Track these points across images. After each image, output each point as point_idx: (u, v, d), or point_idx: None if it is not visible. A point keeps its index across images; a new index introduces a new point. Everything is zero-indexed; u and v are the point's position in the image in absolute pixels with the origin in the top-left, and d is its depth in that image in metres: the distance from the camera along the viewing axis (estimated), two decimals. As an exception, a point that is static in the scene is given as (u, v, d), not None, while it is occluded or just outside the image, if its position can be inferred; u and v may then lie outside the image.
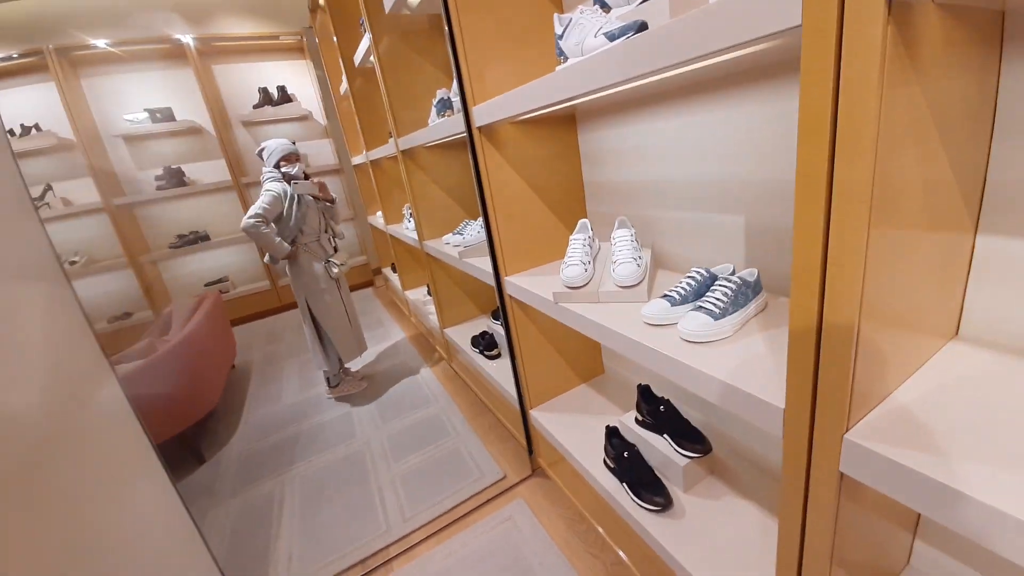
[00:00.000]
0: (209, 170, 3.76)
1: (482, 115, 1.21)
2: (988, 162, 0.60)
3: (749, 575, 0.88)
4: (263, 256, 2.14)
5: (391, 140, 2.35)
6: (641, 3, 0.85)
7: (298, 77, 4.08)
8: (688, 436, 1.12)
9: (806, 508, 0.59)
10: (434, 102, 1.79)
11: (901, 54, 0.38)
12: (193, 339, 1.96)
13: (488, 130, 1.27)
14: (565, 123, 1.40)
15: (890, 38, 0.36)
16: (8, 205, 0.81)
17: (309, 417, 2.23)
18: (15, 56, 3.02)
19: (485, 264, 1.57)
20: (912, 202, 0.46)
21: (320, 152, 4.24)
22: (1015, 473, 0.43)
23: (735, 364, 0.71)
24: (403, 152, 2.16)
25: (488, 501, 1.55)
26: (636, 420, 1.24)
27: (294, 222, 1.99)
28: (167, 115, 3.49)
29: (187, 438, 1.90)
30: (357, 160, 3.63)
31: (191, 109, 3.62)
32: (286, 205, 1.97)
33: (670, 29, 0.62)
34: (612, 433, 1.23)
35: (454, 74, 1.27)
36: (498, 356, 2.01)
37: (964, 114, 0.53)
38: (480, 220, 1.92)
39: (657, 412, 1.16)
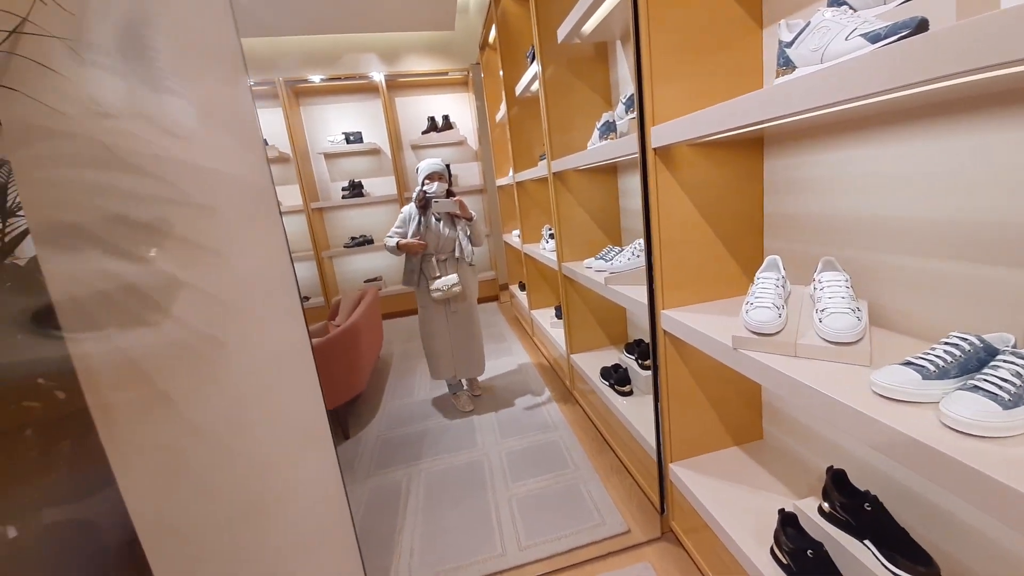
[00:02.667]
0: (381, 184, 4.38)
1: (661, 136, 1.13)
2: None
3: None
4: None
5: (541, 162, 2.41)
6: (903, 2, 0.69)
7: (459, 107, 4.53)
8: (905, 552, 0.84)
9: None
10: (598, 125, 1.78)
11: None
12: (357, 327, 2.23)
13: (663, 152, 1.18)
14: (751, 146, 1.24)
15: None
16: (263, 198, 0.99)
17: (435, 416, 2.35)
18: (253, 84, 3.92)
19: (635, 293, 1.47)
20: None
21: (469, 173, 4.62)
22: None
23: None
24: (555, 174, 2.19)
25: (609, 554, 1.40)
26: (821, 511, 0.99)
27: (411, 235, 2.12)
28: (358, 138, 4.18)
29: (339, 414, 2.14)
30: (502, 181, 3.84)
31: (376, 133, 4.28)
32: (412, 226, 2.12)
33: (980, 26, 0.47)
34: (788, 520, 1.00)
35: (633, 94, 1.22)
36: (630, 393, 1.86)
37: None
38: (629, 248, 1.82)
39: (858, 509, 0.91)
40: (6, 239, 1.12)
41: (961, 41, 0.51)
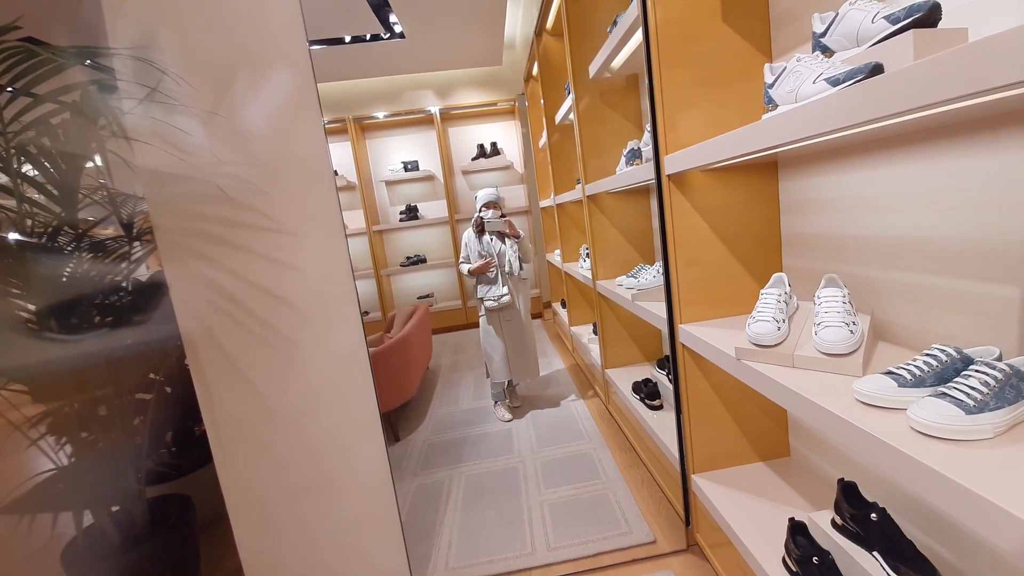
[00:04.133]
0: (434, 208, 4.74)
1: (674, 163, 1.24)
2: None
3: None
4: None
5: (578, 186, 2.55)
6: (873, 45, 0.77)
7: (507, 134, 4.82)
8: (911, 563, 0.85)
9: None
10: (624, 152, 1.90)
11: None
12: (409, 339, 2.46)
13: (678, 177, 1.28)
14: (764, 170, 1.31)
15: None
16: (333, 224, 1.22)
17: (477, 425, 2.51)
18: (327, 122, 4.42)
19: (658, 309, 1.55)
20: None
21: (515, 196, 4.86)
22: None
23: (1000, 478, 0.54)
24: (588, 197, 2.32)
25: (634, 561, 1.46)
26: (833, 523, 1.01)
27: (475, 257, 2.42)
28: (415, 166, 4.57)
29: (390, 418, 2.36)
30: (544, 203, 4.02)
31: (430, 161, 4.67)
32: (473, 247, 2.43)
33: (918, 70, 0.56)
34: (798, 529, 1.03)
35: (650, 126, 1.34)
36: (660, 408, 1.90)
37: None
38: (656, 265, 1.90)
39: (865, 520, 0.93)
40: (133, 258, 1.44)
41: (903, 85, 0.60)
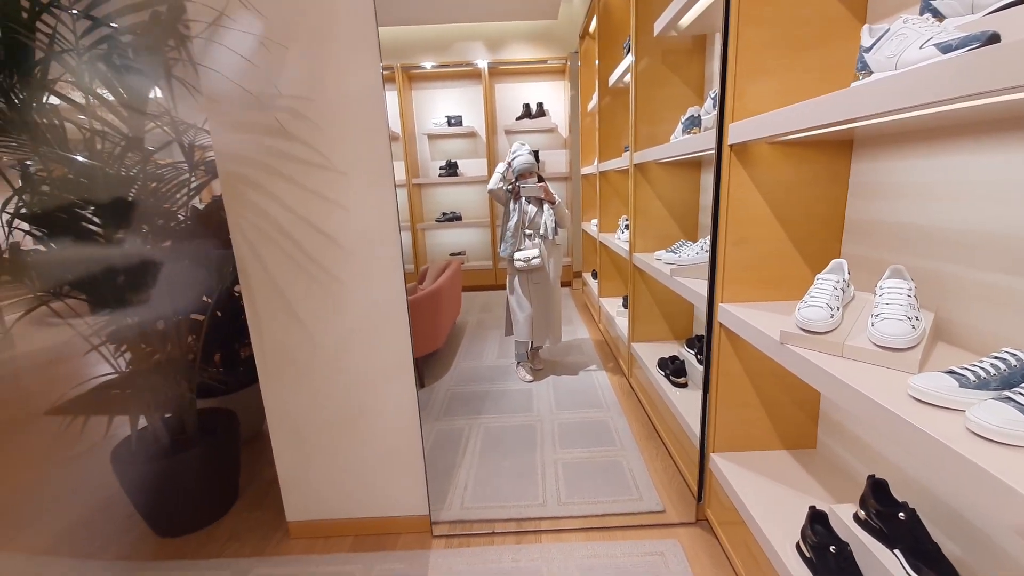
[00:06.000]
0: (473, 166, 4.69)
1: (739, 132, 1.16)
2: None
3: None
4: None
5: (625, 153, 2.45)
6: (991, 12, 0.68)
7: (554, 95, 4.63)
8: (935, 566, 0.84)
9: None
10: (682, 119, 1.79)
11: None
12: (440, 291, 2.52)
13: (740, 148, 1.21)
14: (837, 148, 1.21)
15: None
16: (383, 167, 1.23)
17: (499, 381, 2.58)
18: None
19: (698, 286, 1.51)
20: None
21: (557, 161, 4.73)
22: None
23: (1059, 487, 0.52)
24: (636, 165, 2.23)
25: (641, 527, 1.50)
26: (856, 517, 1.00)
27: (507, 210, 2.42)
28: (458, 121, 4.50)
29: (418, 364, 2.46)
30: (586, 170, 3.90)
31: (474, 118, 4.57)
32: (504, 189, 2.41)
33: None
34: (817, 518, 1.02)
35: (715, 91, 1.25)
36: (685, 386, 1.90)
37: None
38: (700, 243, 1.83)
39: (892, 519, 0.91)
40: (193, 186, 1.50)
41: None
